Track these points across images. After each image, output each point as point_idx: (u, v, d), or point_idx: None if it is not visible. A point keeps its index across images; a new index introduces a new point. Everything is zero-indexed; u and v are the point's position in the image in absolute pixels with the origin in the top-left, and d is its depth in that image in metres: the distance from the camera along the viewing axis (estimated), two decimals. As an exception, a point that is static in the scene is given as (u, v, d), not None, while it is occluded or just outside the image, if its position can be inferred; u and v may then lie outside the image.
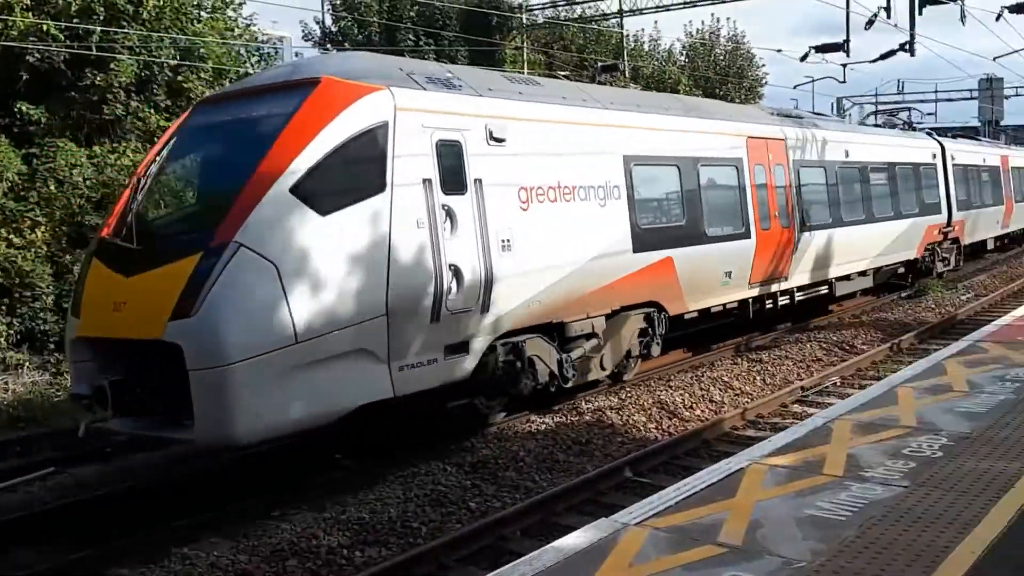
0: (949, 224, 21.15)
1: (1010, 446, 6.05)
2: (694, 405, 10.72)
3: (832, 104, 59.27)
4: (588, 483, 7.75)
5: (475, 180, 8.04)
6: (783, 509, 5.04)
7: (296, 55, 30.58)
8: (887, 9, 21.74)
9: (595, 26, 31.03)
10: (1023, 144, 54.99)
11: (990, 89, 61.74)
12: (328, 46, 26.26)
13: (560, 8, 31.77)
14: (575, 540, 4.72)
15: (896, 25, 21.94)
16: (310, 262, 6.62)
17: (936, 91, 60.48)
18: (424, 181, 7.52)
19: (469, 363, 8.06)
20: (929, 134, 23.90)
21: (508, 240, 8.32)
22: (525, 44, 29.45)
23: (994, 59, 32.24)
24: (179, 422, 6.50)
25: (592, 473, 7.94)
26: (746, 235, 12.35)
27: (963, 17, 21.64)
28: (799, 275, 13.99)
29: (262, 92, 7.55)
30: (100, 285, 7.04)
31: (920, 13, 21.66)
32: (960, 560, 4.31)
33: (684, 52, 38.14)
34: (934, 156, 20.96)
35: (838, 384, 11.77)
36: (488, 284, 8.10)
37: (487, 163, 8.17)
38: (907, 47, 22.38)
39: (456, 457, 8.46)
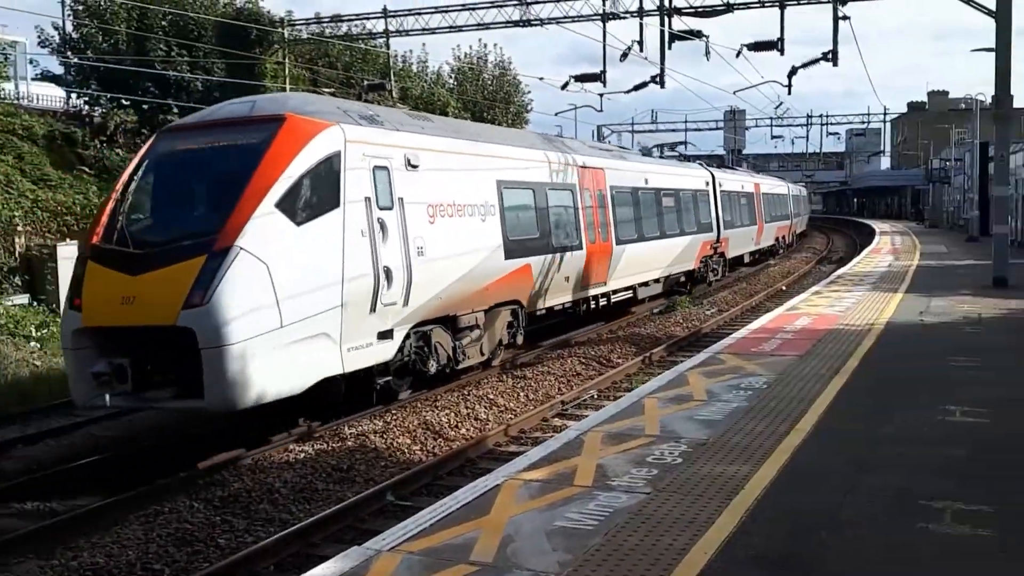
0: (718, 240, 26.60)
1: (741, 450, 6.66)
2: (459, 424, 10.86)
3: (592, 132, 63.49)
4: (348, 510, 7.68)
5: (399, 199, 10.66)
6: (534, 523, 5.19)
7: (31, 62, 29.62)
8: (640, 43, 23.58)
9: (362, 45, 30.80)
10: (762, 171, 62.26)
11: (733, 120, 69.03)
12: (68, 54, 24.81)
13: (325, 25, 31.22)
14: (324, 571, 4.64)
15: (647, 58, 23.98)
16: (289, 262, 8.90)
17: (686, 121, 66.46)
18: (365, 199, 10.03)
19: (393, 347, 10.56)
20: (701, 164, 29.62)
21: (422, 247, 10.96)
22: (287, 59, 28.78)
23: (735, 92, 36.05)
24: (189, 394, 8.48)
25: (352, 500, 7.87)
26: (580, 247, 15.91)
27: (707, 53, 24.02)
28: (614, 281, 17.83)
29: (233, 124, 9.85)
30: (102, 283, 8.90)
31: (669, 48, 23.81)
32: (694, 561, 4.64)
33: (453, 75, 38.98)
34: (707, 183, 26.35)
35: (595, 397, 12.46)
36: (408, 283, 10.63)
37: (406, 185, 10.85)
38: (658, 79, 24.39)
39: (205, 492, 8.29)
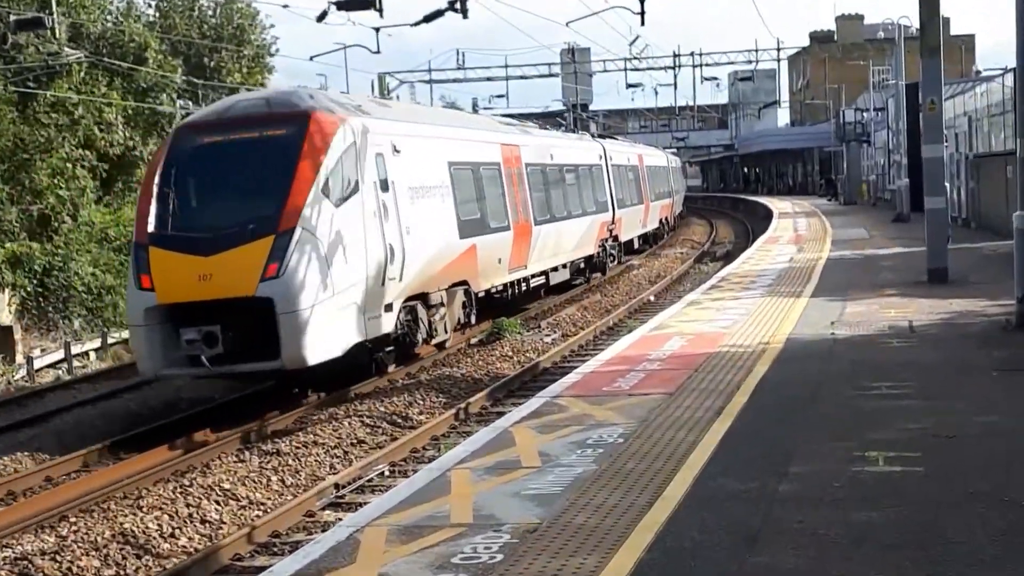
0: (613, 222, 33.20)
1: (587, 535, 6.83)
2: (177, 531, 10.72)
3: (372, 81, 64.00)
4: None
5: (392, 182, 17.10)
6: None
7: None
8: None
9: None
10: (619, 134, 64.74)
11: (573, 63, 70.77)
12: None
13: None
14: None
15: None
16: (333, 240, 15.02)
17: (506, 65, 67.83)
18: (374, 183, 16.43)
19: (392, 319, 16.93)
20: (595, 136, 38.10)
21: (408, 227, 17.31)
22: None
23: (568, 24, 37.11)
24: (264, 356, 14.76)
25: None
26: (508, 228, 22.73)
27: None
28: (533, 264, 24.63)
29: (259, 119, 16.12)
30: (173, 265, 15.06)
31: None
32: None
33: (154, 5, 37.94)
34: (600, 157, 33.47)
35: (385, 474, 12.47)
36: (403, 260, 16.93)
37: (395, 169, 17.35)
38: (457, 6, 24.87)
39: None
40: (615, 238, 34.02)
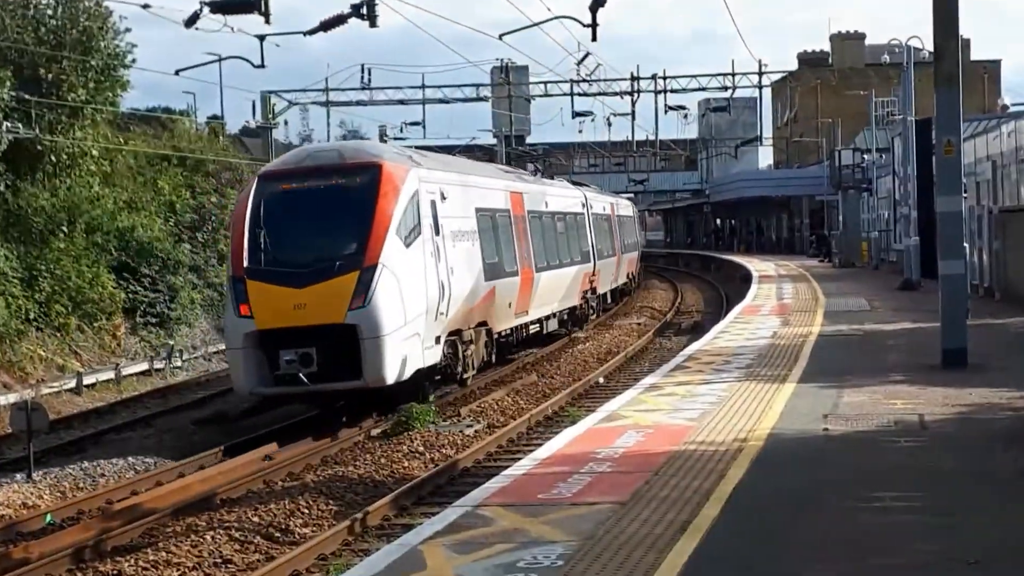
0: (594, 273, 40.91)
1: None
2: None
3: (254, 102, 63.71)
4: None
5: (441, 225, 24.71)
6: None
7: None
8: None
9: None
10: (560, 174, 65.12)
11: (507, 84, 71.03)
12: None
13: None
14: None
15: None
16: (405, 275, 22.61)
17: (424, 86, 67.92)
18: (430, 226, 24.08)
19: (439, 351, 24.02)
20: (576, 183, 47.86)
21: (452, 267, 24.75)
22: None
23: (502, 37, 37.20)
24: (348, 376, 21.89)
25: None
26: (516, 273, 30.13)
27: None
28: (533, 311, 32.24)
29: (335, 169, 23.78)
30: (270, 296, 22.23)
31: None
32: None
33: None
34: (582, 205, 42.20)
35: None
36: (449, 297, 24.25)
37: (443, 214, 24.92)
38: (364, 11, 24.89)
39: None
40: (594, 290, 41.72)
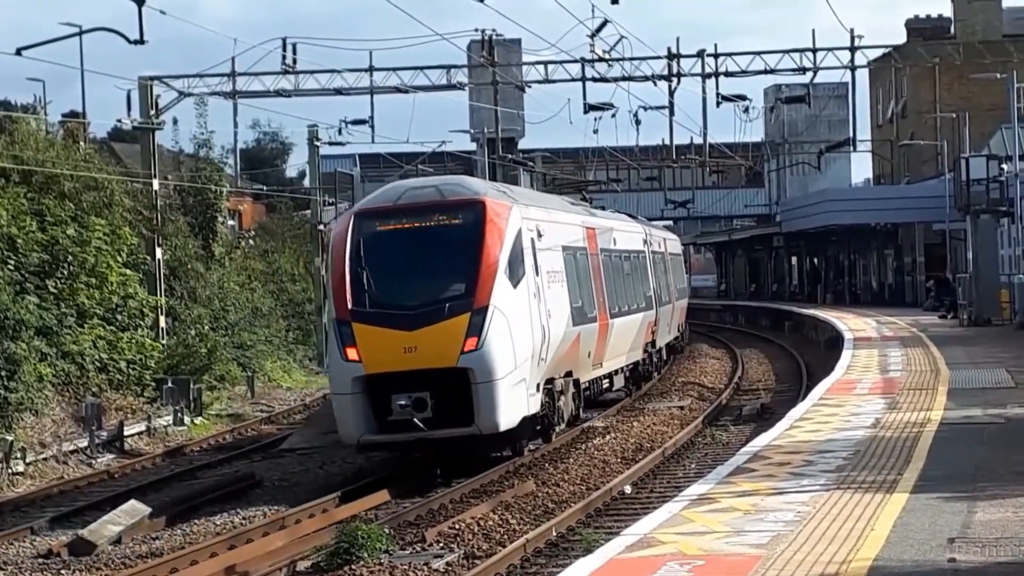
0: (655, 322, 50.10)
1: None
2: None
3: (129, 92, 63.30)
4: None
5: (539, 265, 34.19)
6: None
7: None
8: None
9: None
10: (566, 192, 65.26)
11: (491, 64, 71.48)
12: None
13: None
14: None
15: None
16: (514, 317, 31.65)
17: (372, 69, 67.91)
18: (531, 266, 33.42)
19: (539, 399, 33.33)
20: (633, 216, 57.94)
21: (550, 311, 34.32)
22: None
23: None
24: (460, 422, 30.38)
25: None
26: (595, 319, 39.74)
27: None
28: (608, 362, 41.81)
29: (435, 206, 32.63)
30: (378, 339, 30.78)
31: None
32: None
33: None
34: (644, 242, 51.90)
35: None
36: (547, 341, 33.74)
37: (540, 254, 34.56)
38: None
39: None
40: (653, 343, 51.20)
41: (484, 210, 30.58)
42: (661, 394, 46.71)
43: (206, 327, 55.76)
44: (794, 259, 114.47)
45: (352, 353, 29.36)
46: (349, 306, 29.87)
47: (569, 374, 35.94)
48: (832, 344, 53.02)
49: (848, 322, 61.25)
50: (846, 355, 45.12)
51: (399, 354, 29.10)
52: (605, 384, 42.38)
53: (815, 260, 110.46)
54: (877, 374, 38.09)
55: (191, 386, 45.93)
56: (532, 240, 32.50)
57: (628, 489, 27.75)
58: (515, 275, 30.56)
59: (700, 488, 20.57)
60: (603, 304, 41.07)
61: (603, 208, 59.89)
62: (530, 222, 32.80)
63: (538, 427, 32.89)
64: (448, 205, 31.32)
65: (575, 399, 36.06)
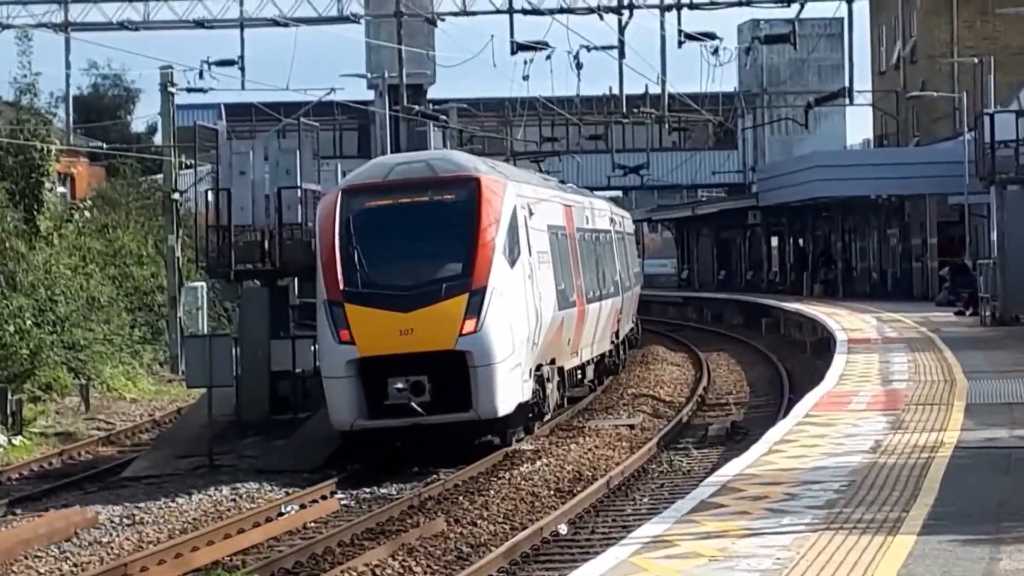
0: (621, 310, 60.51)
1: None
2: None
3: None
4: None
5: (530, 245, 45.94)
6: None
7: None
8: None
9: None
10: (495, 155, 65.94)
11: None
12: None
13: None
14: None
15: None
16: (511, 299, 43.30)
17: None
18: (526, 246, 45.17)
19: (531, 385, 44.18)
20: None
21: (540, 293, 45.84)
22: None
23: None
24: (457, 407, 41.27)
25: None
26: (574, 304, 51.23)
27: None
28: (583, 350, 53.50)
29: (427, 183, 43.48)
30: (372, 321, 40.85)
31: None
32: None
33: None
34: (610, 220, 63.09)
35: None
36: (539, 325, 45.08)
37: (531, 232, 46.56)
38: None
39: None
40: (618, 333, 59.93)
41: (479, 187, 36.90)
42: (606, 409, 47.08)
43: (28, 322, 55.33)
44: (774, 240, 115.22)
45: (345, 335, 35.05)
46: (341, 286, 35.57)
47: (553, 361, 43.82)
48: (821, 347, 53.48)
49: (841, 320, 61.71)
50: (839, 361, 45.47)
51: (395, 336, 35.13)
52: (579, 375, 50.65)
53: (800, 242, 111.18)
54: (877, 385, 38.35)
55: (8, 397, 45.76)
56: (525, 219, 39.18)
57: (564, 529, 27.74)
58: (512, 255, 37.05)
59: (654, 528, 20.60)
60: (580, 288, 50.01)
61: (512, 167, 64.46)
62: (523, 200, 39.38)
63: (529, 415, 39.23)
64: (441, 182, 37.75)
65: (559, 388, 43.92)
